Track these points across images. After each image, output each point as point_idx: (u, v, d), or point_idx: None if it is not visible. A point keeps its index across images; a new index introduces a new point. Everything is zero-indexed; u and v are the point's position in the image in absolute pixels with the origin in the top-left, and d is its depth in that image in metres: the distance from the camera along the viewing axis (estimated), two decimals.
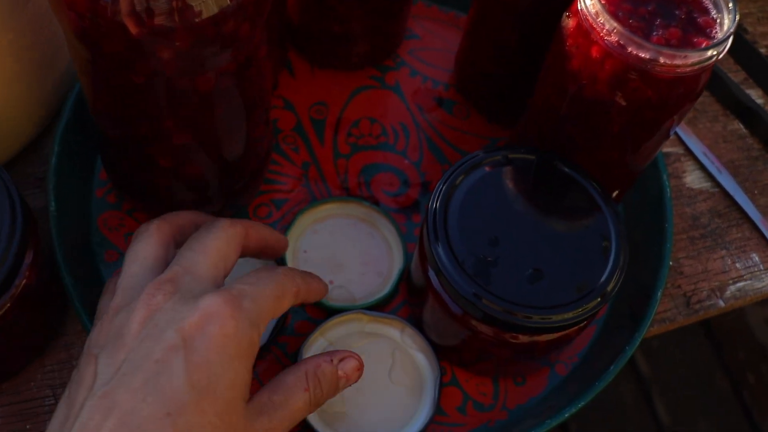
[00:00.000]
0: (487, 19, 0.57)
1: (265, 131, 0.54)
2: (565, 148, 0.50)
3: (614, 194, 0.54)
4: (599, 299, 0.45)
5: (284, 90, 0.63)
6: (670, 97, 0.45)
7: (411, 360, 0.51)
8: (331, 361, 0.43)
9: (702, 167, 0.65)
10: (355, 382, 0.45)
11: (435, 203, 0.47)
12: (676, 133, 0.66)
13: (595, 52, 0.45)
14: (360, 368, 0.45)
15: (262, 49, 0.46)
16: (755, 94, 0.70)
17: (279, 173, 0.59)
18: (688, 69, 0.43)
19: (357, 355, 0.45)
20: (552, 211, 0.48)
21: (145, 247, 0.42)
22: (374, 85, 0.64)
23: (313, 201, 0.58)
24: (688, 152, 0.66)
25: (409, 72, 0.65)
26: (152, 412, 0.34)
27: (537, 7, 0.51)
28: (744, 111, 0.68)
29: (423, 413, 0.49)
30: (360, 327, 0.52)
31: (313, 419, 0.48)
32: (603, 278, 0.46)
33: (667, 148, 0.65)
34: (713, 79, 0.68)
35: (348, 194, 0.59)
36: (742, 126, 0.68)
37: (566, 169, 0.49)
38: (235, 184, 0.54)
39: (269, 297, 0.40)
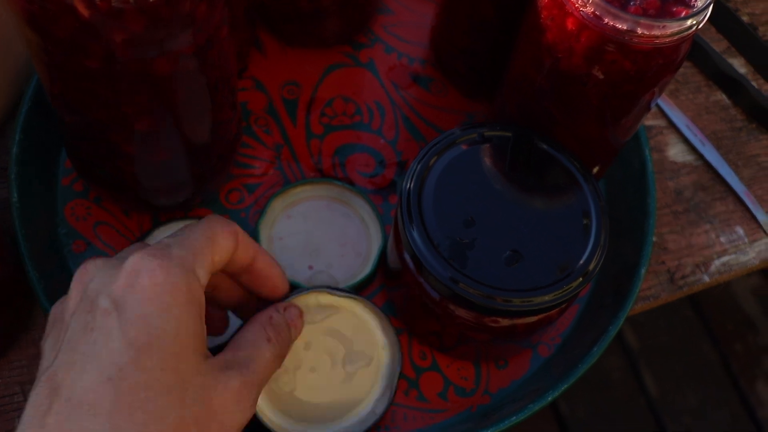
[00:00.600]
0: None
1: (233, 114, 0.52)
2: (543, 123, 0.49)
3: (595, 170, 0.53)
4: (580, 279, 0.44)
5: (255, 70, 0.61)
6: (649, 68, 0.43)
7: (370, 339, 0.47)
8: (278, 311, 0.42)
9: (685, 140, 0.64)
10: (299, 332, 0.43)
11: (408, 184, 0.45)
12: (658, 106, 0.65)
13: (570, 24, 0.43)
14: (301, 316, 0.43)
15: (223, 29, 0.44)
16: (738, 63, 0.69)
17: (251, 156, 0.57)
18: (667, 40, 0.42)
19: (296, 305, 0.43)
20: (530, 189, 0.47)
21: None
22: (348, 62, 0.62)
23: (286, 184, 0.56)
24: (671, 125, 0.64)
25: (384, 48, 0.63)
26: (93, 381, 0.32)
27: None
28: (727, 81, 0.66)
29: (376, 395, 0.46)
30: (319, 301, 0.47)
31: (264, 401, 0.45)
32: (584, 258, 0.44)
33: (649, 121, 0.64)
34: (695, 49, 0.67)
35: (322, 176, 0.57)
36: (725, 97, 0.67)
37: (544, 146, 0.48)
38: (204, 169, 0.52)
39: (199, 238, 0.37)
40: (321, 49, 0.62)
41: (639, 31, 0.41)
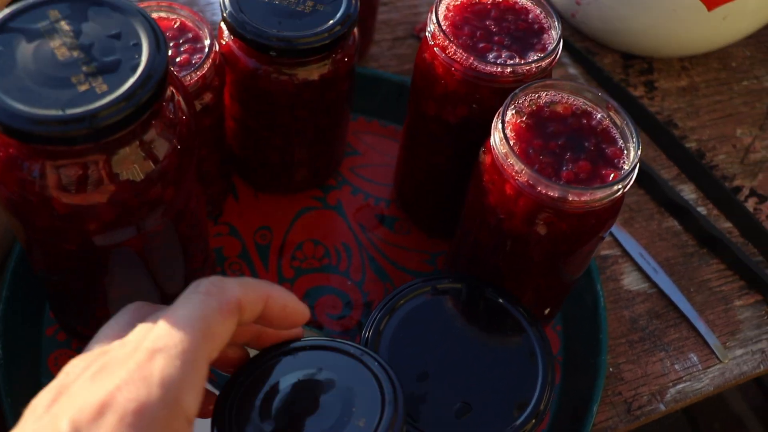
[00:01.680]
0: (419, 137, 0.58)
1: (205, 264, 0.55)
2: (493, 274, 0.52)
3: (546, 311, 0.56)
4: (533, 421, 0.47)
5: (229, 216, 0.65)
6: (585, 228, 0.47)
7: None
8: None
9: (639, 268, 0.67)
10: None
11: (365, 342, 0.48)
12: (612, 235, 0.68)
13: (508, 189, 0.47)
14: None
15: (192, 200, 0.48)
16: (688, 189, 0.73)
17: None
18: (597, 204, 0.46)
19: None
20: (480, 340, 0.50)
21: None
22: (317, 205, 0.66)
23: None
24: (625, 254, 0.68)
25: (351, 190, 0.67)
26: None
27: (466, 126, 0.53)
28: (677, 208, 0.70)
29: None
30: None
31: None
32: (533, 402, 0.47)
33: (604, 251, 0.67)
34: (646, 178, 0.71)
35: None
36: (676, 223, 0.70)
37: (493, 297, 0.51)
38: None
39: (189, 341, 0.32)
40: (292, 194, 0.66)
41: (570, 198, 0.45)
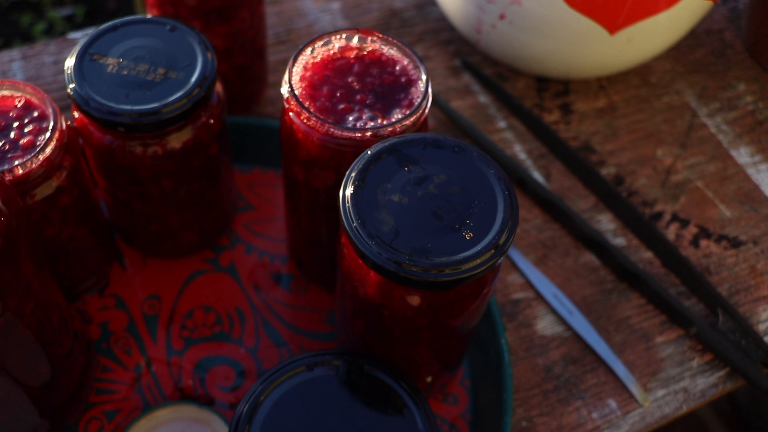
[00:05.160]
0: (294, 200, 0.55)
1: (74, 345, 0.52)
2: (368, 344, 0.49)
3: (429, 380, 0.53)
4: None
5: (115, 286, 0.61)
6: (446, 301, 0.44)
7: None
8: None
9: (553, 311, 0.64)
10: None
11: (234, 428, 0.45)
12: (525, 277, 0.65)
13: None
14: None
15: (32, 295, 0.44)
16: (606, 219, 0.69)
17: (111, 381, 0.57)
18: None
19: None
20: (359, 421, 0.47)
21: None
22: (208, 268, 0.62)
23: (145, 409, 0.56)
24: (539, 296, 0.64)
25: (245, 249, 0.64)
26: None
27: (335, 191, 0.49)
28: (594, 242, 0.67)
29: None
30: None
31: None
32: None
33: (516, 295, 0.64)
34: (561, 212, 0.68)
35: (182, 395, 0.57)
36: (594, 257, 0.67)
37: (373, 372, 0.48)
38: (55, 408, 0.52)
39: None
40: (181, 258, 0.63)
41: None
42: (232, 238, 0.64)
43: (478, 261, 0.40)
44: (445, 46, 0.80)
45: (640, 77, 0.80)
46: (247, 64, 0.65)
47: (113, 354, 0.58)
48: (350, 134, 0.45)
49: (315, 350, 0.49)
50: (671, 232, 0.69)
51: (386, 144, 0.43)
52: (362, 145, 0.46)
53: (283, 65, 0.76)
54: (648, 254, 0.68)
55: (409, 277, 0.40)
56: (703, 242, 0.69)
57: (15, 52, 0.75)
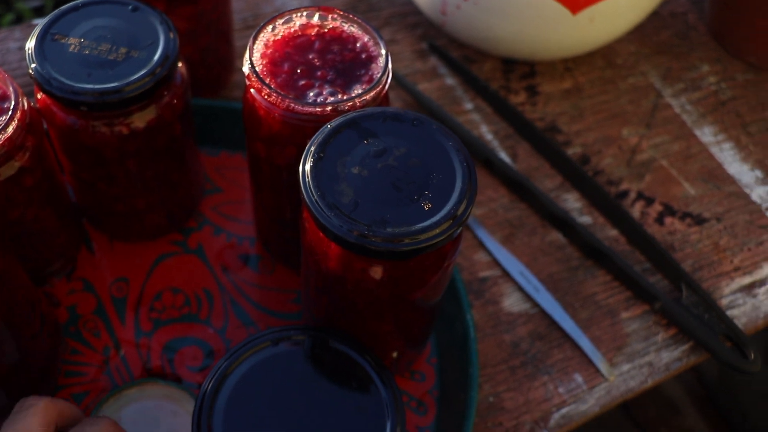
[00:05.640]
0: (258, 178, 0.55)
1: (42, 329, 0.52)
2: (332, 319, 0.49)
3: (394, 355, 0.53)
4: None
5: (83, 270, 0.61)
6: (407, 272, 0.44)
7: None
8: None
9: (520, 288, 0.64)
10: None
11: (199, 404, 0.45)
12: (491, 255, 0.66)
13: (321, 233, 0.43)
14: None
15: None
16: (572, 198, 0.70)
17: (80, 363, 0.57)
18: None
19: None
20: (324, 397, 0.47)
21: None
22: (176, 250, 0.63)
23: (113, 389, 0.56)
24: (505, 274, 0.65)
25: (213, 231, 0.64)
26: None
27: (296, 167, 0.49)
28: (560, 220, 0.67)
29: None
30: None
31: None
32: None
33: (483, 273, 0.65)
34: (528, 191, 0.68)
35: (149, 375, 0.57)
36: (561, 236, 0.68)
37: (338, 346, 0.48)
38: (21, 389, 0.52)
39: None
40: (149, 241, 0.63)
41: None
42: (200, 221, 0.64)
43: (437, 231, 0.41)
44: (411, 30, 0.80)
45: (605, 59, 0.81)
46: (212, 47, 0.65)
47: (82, 337, 0.58)
48: (311, 109, 0.46)
49: (280, 326, 0.50)
50: (636, 210, 0.70)
51: (346, 118, 0.44)
52: (323, 120, 0.46)
53: None
54: (613, 232, 0.69)
55: (368, 247, 0.40)
56: (668, 219, 0.70)
57: None
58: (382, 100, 0.48)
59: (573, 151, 0.73)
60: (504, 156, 0.72)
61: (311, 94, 0.47)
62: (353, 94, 0.47)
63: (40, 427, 0.42)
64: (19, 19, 1.41)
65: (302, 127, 0.47)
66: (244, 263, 0.62)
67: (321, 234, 0.43)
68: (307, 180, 0.41)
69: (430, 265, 0.44)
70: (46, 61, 0.49)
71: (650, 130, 0.76)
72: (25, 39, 0.75)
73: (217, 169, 0.67)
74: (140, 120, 0.51)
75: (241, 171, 0.67)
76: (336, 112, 0.46)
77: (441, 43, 0.79)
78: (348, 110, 0.46)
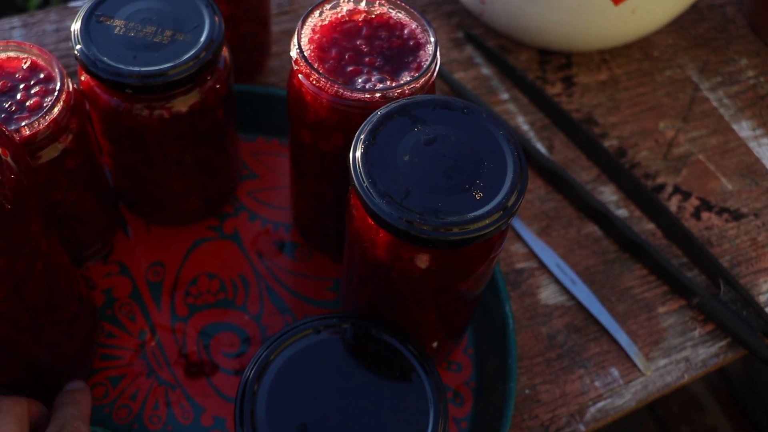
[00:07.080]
0: (301, 165, 0.54)
1: (78, 310, 0.52)
2: (377, 308, 0.49)
3: (434, 344, 0.53)
4: None
5: (119, 253, 0.61)
6: (452, 265, 0.44)
7: None
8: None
9: (557, 280, 0.64)
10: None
11: (242, 391, 0.45)
12: (528, 247, 0.65)
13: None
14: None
15: (41, 255, 0.44)
16: (609, 190, 0.70)
17: (115, 347, 0.57)
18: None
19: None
20: (366, 385, 0.47)
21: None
22: (212, 236, 0.62)
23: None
24: (542, 266, 0.65)
25: (249, 217, 0.63)
26: None
27: (343, 154, 0.49)
28: (597, 213, 0.67)
29: None
30: None
31: None
32: None
33: (519, 264, 0.64)
34: (564, 183, 0.68)
35: (187, 361, 0.57)
36: (597, 228, 0.67)
37: (380, 336, 0.48)
38: (58, 372, 0.52)
39: None
40: (186, 225, 0.62)
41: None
42: (236, 206, 0.64)
43: (487, 221, 0.40)
44: (448, 18, 0.80)
45: (642, 51, 0.80)
46: (251, 32, 0.65)
47: (117, 320, 0.58)
48: (360, 95, 0.45)
49: (322, 314, 0.49)
50: (673, 204, 0.69)
51: (396, 105, 0.43)
52: (371, 107, 0.45)
53: (286, 36, 0.75)
54: (650, 226, 0.68)
55: (419, 235, 0.39)
56: (705, 214, 0.69)
57: (15, 20, 0.74)
58: (429, 88, 0.48)
59: (609, 143, 0.73)
60: (540, 147, 0.72)
61: (359, 80, 0.47)
62: (402, 81, 0.46)
63: (19, 424, 0.43)
64: (46, 3, 1.41)
65: (350, 114, 0.46)
66: (279, 250, 0.62)
67: (370, 221, 0.42)
68: (357, 167, 0.41)
69: (478, 256, 0.44)
70: (92, 43, 0.49)
71: (687, 124, 0.75)
72: (61, 21, 0.74)
73: (254, 154, 0.67)
74: (183, 104, 0.51)
75: (278, 156, 0.67)
76: (385, 99, 0.45)
77: (477, 32, 0.79)
78: (397, 97, 0.46)
